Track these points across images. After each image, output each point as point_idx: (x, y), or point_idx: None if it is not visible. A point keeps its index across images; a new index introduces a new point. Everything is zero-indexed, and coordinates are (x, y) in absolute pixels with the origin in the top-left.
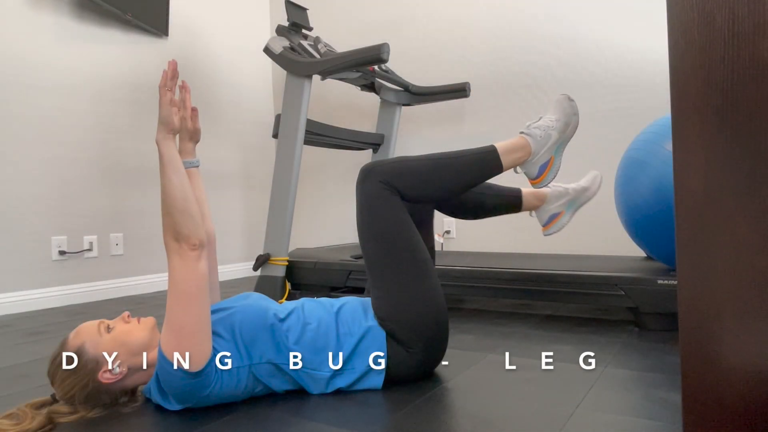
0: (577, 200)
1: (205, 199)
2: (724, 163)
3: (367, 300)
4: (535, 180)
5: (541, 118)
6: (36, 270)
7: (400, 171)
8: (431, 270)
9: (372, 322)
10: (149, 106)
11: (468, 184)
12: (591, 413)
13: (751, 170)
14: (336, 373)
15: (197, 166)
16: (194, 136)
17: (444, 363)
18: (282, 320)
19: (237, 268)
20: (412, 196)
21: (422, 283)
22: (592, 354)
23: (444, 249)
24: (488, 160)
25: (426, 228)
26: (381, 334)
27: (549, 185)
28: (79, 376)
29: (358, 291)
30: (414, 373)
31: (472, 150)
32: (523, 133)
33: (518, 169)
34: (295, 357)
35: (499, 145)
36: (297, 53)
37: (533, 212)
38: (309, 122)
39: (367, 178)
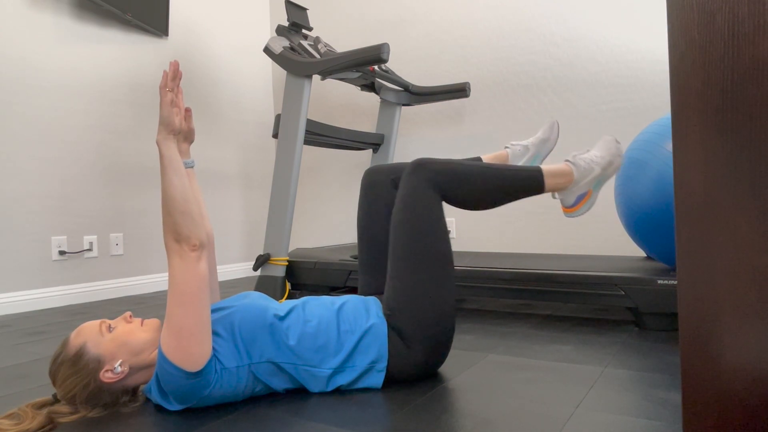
0: (539, 154)
1: (202, 200)
2: (724, 163)
3: (369, 298)
4: (570, 208)
5: (588, 151)
6: (36, 270)
7: (450, 172)
8: (452, 274)
9: (374, 319)
10: (149, 106)
11: (508, 197)
12: (591, 413)
13: (751, 170)
14: (337, 370)
15: (192, 167)
16: (188, 136)
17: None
18: (282, 318)
19: (237, 268)
20: (453, 198)
21: (441, 283)
22: (591, 354)
23: None
24: (533, 179)
25: None
26: (383, 332)
27: (509, 145)
28: (81, 375)
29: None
30: (414, 372)
31: (520, 167)
32: (569, 162)
33: (556, 194)
34: (295, 357)
35: (545, 168)
36: (297, 53)
37: None
38: (309, 122)
39: (417, 170)
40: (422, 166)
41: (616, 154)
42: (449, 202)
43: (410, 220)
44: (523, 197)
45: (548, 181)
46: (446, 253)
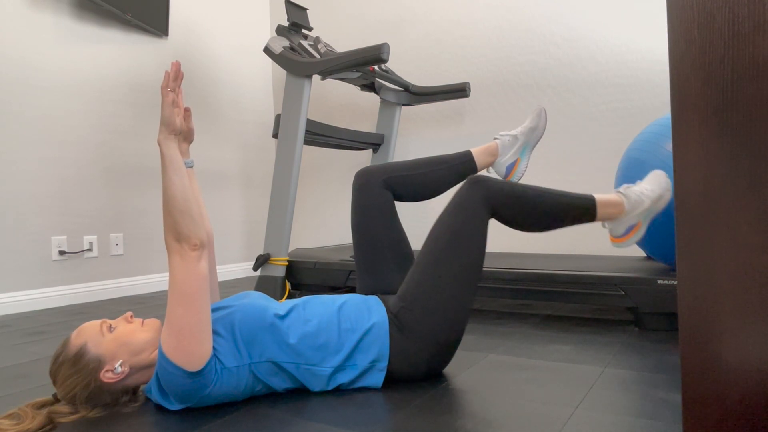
0: (529, 143)
1: (201, 200)
2: (724, 163)
3: (370, 297)
4: (619, 239)
5: (638, 183)
6: (36, 270)
7: (506, 192)
8: (474, 290)
9: (376, 318)
10: (149, 106)
11: (560, 222)
12: (591, 413)
13: (751, 170)
14: (338, 369)
15: (192, 167)
16: (188, 136)
17: None
18: (282, 318)
19: (237, 268)
20: (505, 217)
21: (462, 293)
22: (591, 354)
23: None
24: (586, 207)
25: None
26: (384, 331)
27: (497, 136)
28: (81, 375)
29: None
30: (415, 374)
31: (574, 194)
32: (620, 192)
33: (606, 224)
34: (296, 356)
35: (598, 197)
36: (297, 53)
37: (490, 168)
38: (309, 122)
39: (474, 185)
40: (480, 182)
41: (666, 188)
42: (500, 219)
43: (453, 225)
44: (574, 224)
45: (600, 210)
46: (476, 269)
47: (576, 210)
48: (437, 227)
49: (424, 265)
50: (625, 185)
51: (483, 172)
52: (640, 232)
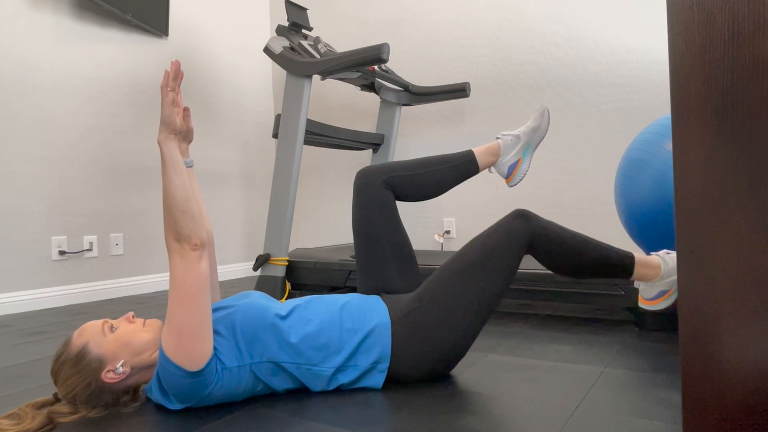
0: (531, 143)
1: (201, 199)
2: (724, 163)
3: (372, 297)
4: (648, 301)
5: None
6: (36, 270)
7: (549, 233)
8: (491, 310)
9: (378, 319)
10: (149, 106)
11: (592, 273)
12: (591, 413)
13: (751, 170)
14: (339, 369)
15: (191, 167)
16: (187, 136)
17: None
18: (283, 318)
19: (237, 268)
20: (540, 253)
21: (478, 309)
22: (591, 354)
23: (444, 249)
24: (623, 265)
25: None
26: (387, 332)
27: (500, 135)
28: (83, 375)
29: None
30: (415, 375)
31: (617, 250)
32: (659, 257)
33: (640, 284)
34: (297, 356)
35: (638, 257)
36: (297, 53)
37: (492, 168)
38: (309, 122)
39: (522, 218)
40: (527, 216)
41: None
42: (535, 255)
43: (490, 245)
44: (607, 278)
45: (637, 270)
46: (497, 292)
47: (613, 264)
48: (473, 242)
49: (449, 272)
50: (665, 251)
51: (485, 173)
52: (670, 300)
